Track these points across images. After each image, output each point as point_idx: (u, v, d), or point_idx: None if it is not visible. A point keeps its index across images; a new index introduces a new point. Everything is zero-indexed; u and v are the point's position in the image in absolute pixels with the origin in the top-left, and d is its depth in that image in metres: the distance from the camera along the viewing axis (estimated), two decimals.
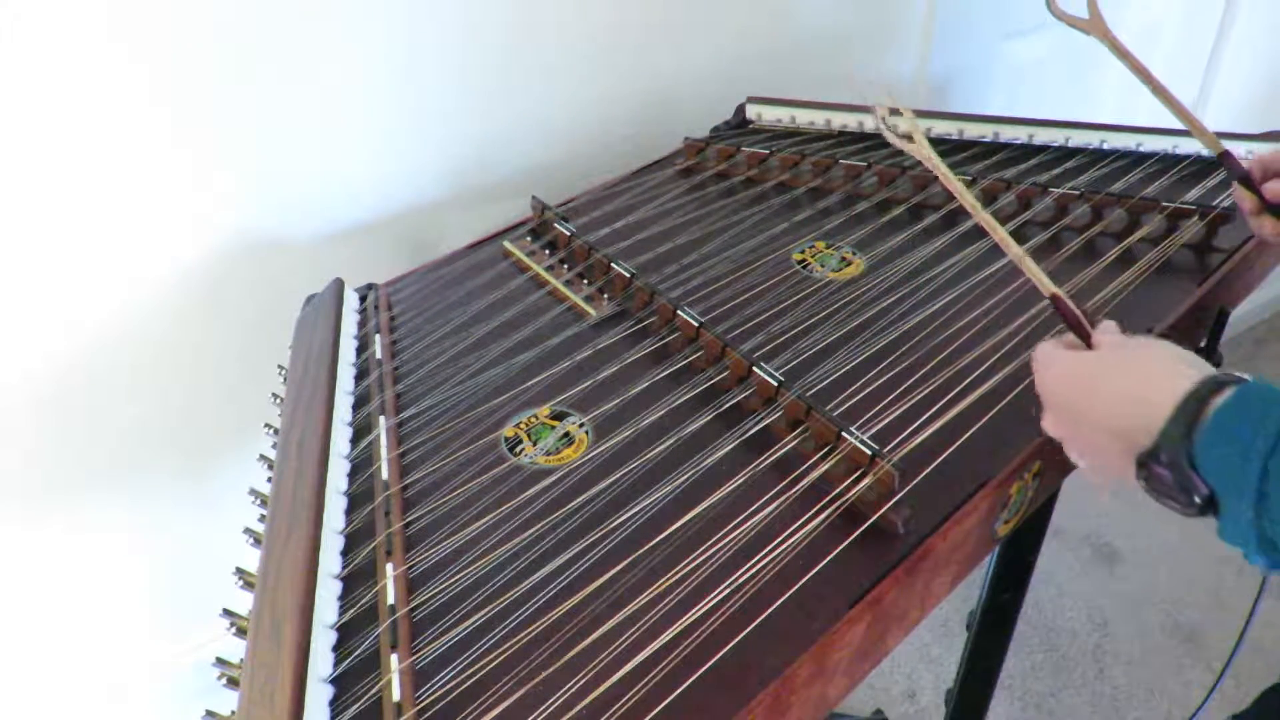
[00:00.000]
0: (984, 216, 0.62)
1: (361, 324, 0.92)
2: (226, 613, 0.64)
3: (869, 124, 1.17)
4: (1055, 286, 0.58)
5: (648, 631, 0.55)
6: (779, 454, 0.67)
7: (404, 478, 0.70)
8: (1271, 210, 0.71)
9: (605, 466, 0.68)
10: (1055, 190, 0.94)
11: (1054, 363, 0.56)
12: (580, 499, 0.65)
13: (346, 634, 0.58)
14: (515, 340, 0.85)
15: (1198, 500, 0.46)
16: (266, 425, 0.84)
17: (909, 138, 0.66)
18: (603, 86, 1.22)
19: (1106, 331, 0.57)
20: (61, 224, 0.90)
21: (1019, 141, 1.10)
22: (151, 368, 1.00)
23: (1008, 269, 0.85)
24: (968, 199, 0.63)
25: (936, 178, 1.00)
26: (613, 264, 0.89)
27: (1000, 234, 0.61)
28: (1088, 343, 0.58)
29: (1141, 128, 1.06)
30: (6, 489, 0.97)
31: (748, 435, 0.69)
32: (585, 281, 0.92)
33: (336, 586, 0.61)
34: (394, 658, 0.55)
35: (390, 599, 0.59)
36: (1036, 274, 0.60)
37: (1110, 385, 0.51)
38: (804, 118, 1.21)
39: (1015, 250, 0.61)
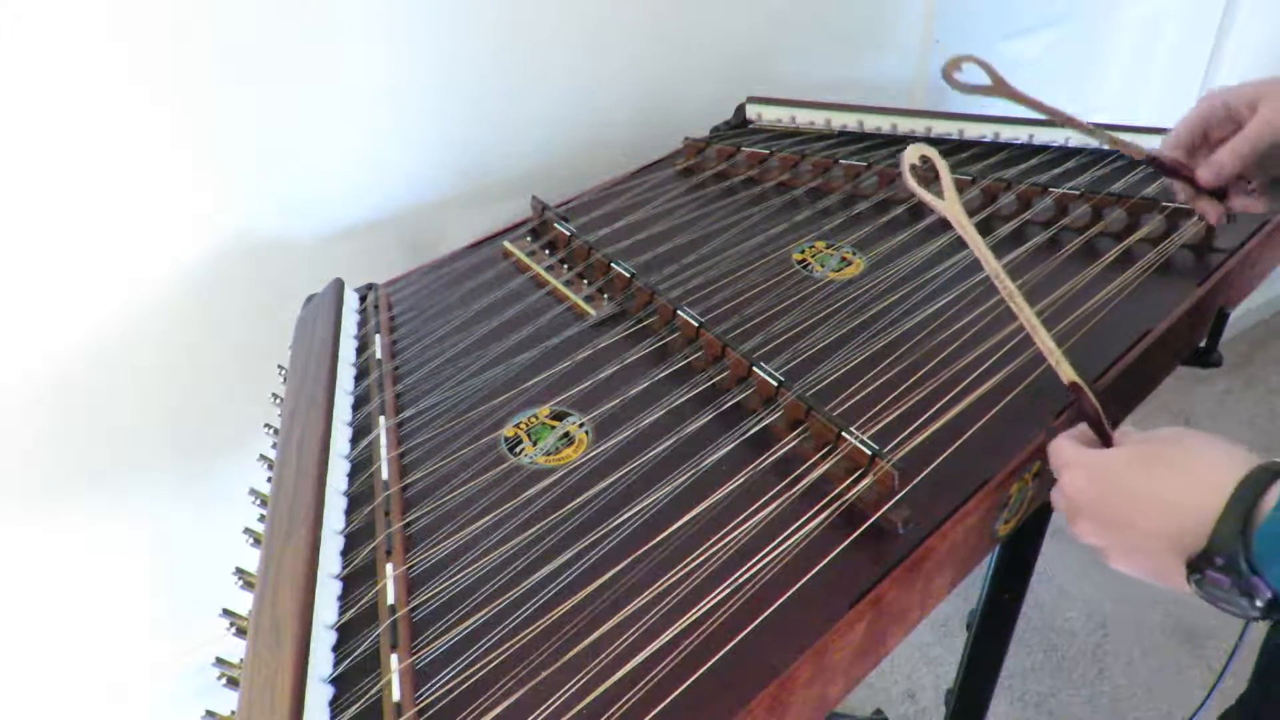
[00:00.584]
0: (1010, 289, 0.57)
1: (361, 324, 0.92)
2: (226, 613, 0.64)
3: (869, 124, 1.17)
4: (1076, 375, 0.54)
5: (648, 631, 0.55)
6: (779, 454, 0.67)
7: (404, 478, 0.70)
8: (1210, 193, 0.66)
9: (605, 466, 0.68)
10: (1055, 190, 0.94)
11: (1078, 463, 0.51)
12: (580, 499, 0.65)
13: (346, 634, 0.58)
14: (515, 340, 0.85)
15: (1260, 604, 0.43)
16: (266, 425, 0.84)
17: (939, 194, 0.59)
18: (603, 86, 1.22)
19: (1127, 433, 0.53)
20: (61, 224, 0.90)
21: (1019, 141, 1.10)
22: (151, 368, 1.00)
23: (1007, 269, 0.85)
24: (1005, 282, 0.58)
25: (936, 177, 1.00)
26: (612, 264, 0.89)
27: (1029, 317, 0.57)
28: (1107, 441, 0.53)
29: (1141, 127, 1.06)
30: (6, 489, 0.97)
31: (748, 435, 0.69)
32: (585, 281, 0.92)
33: (336, 586, 0.61)
34: (394, 658, 0.55)
35: (390, 599, 0.59)
36: (1060, 360, 0.55)
37: (1148, 485, 0.47)
38: (804, 118, 1.21)
39: (1044, 339, 0.56)
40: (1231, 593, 0.43)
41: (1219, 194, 0.66)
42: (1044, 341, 0.56)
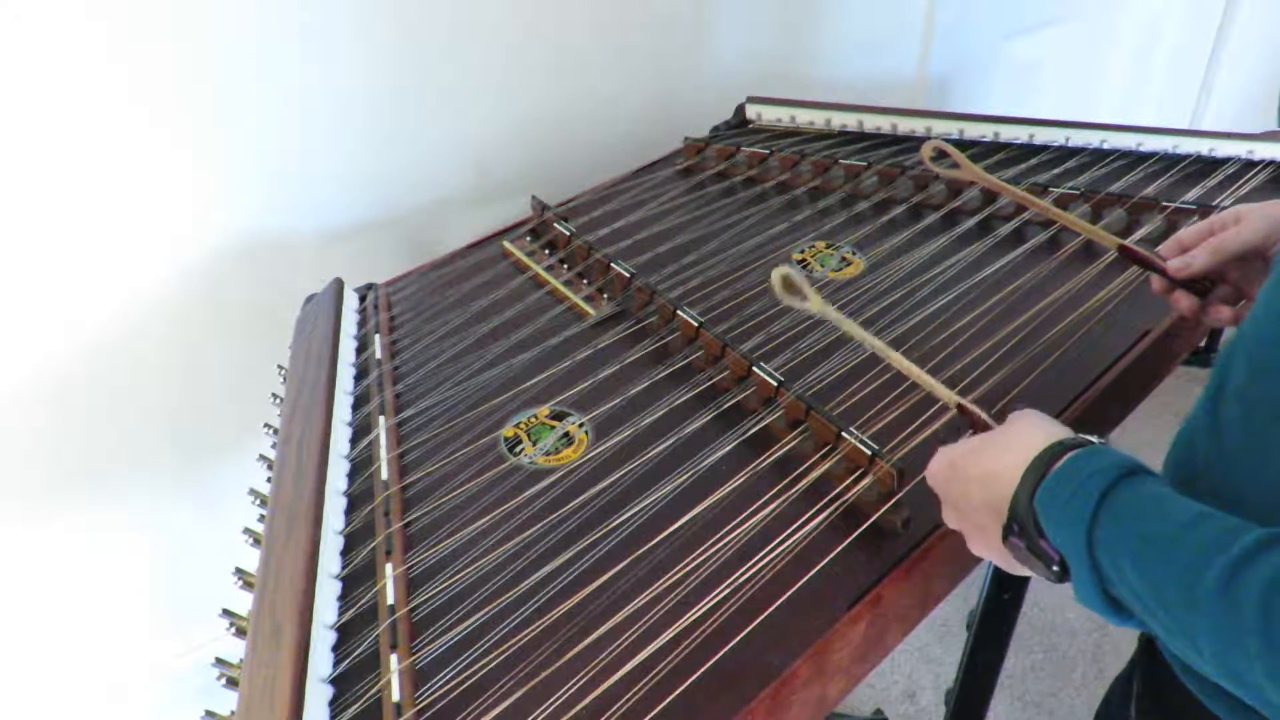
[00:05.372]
0: (880, 347, 0.61)
1: (361, 324, 0.92)
2: (226, 613, 0.64)
3: (869, 124, 1.17)
4: (959, 396, 0.57)
5: (648, 631, 0.55)
6: (779, 454, 0.67)
7: (404, 478, 0.70)
8: (1183, 285, 0.65)
9: (605, 466, 0.68)
10: (1055, 190, 0.94)
11: (938, 454, 0.55)
12: (580, 499, 0.65)
13: (346, 634, 0.58)
14: (515, 340, 0.85)
15: (1055, 568, 0.46)
16: (266, 425, 0.84)
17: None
18: (603, 86, 1.22)
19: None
20: (62, 224, 0.90)
21: (1019, 141, 1.10)
22: (151, 368, 1.00)
23: (1007, 269, 0.85)
24: (870, 341, 0.61)
25: (936, 176, 1.00)
26: (612, 264, 0.89)
27: (897, 359, 0.60)
28: None
29: (1141, 127, 1.06)
30: (6, 489, 0.97)
31: (748, 435, 0.69)
32: (585, 281, 0.92)
33: (336, 586, 0.61)
34: (394, 658, 0.55)
35: (390, 599, 0.59)
36: (937, 388, 0.58)
37: (977, 465, 0.50)
38: (804, 117, 1.21)
39: (925, 380, 0.59)
40: (1029, 555, 0.47)
41: (1201, 292, 0.65)
42: (925, 381, 0.59)
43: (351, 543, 0.65)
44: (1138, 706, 0.61)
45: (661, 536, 0.61)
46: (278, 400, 0.87)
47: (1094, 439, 0.47)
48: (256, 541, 0.70)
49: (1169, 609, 0.39)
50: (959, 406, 0.57)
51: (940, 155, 0.78)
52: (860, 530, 0.60)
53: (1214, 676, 0.39)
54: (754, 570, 0.58)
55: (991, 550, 0.51)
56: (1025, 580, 1.02)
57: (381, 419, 0.76)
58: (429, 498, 0.68)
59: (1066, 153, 1.07)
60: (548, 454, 0.71)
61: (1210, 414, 0.50)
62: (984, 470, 0.49)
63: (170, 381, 1.03)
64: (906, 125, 1.15)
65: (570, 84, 1.18)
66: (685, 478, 0.66)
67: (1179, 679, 0.52)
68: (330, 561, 0.62)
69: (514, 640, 0.55)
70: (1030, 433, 0.49)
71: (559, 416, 0.74)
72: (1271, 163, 0.99)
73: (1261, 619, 0.35)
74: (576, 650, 0.54)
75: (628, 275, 0.87)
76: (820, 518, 0.61)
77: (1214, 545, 0.38)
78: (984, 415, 0.56)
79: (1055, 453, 0.46)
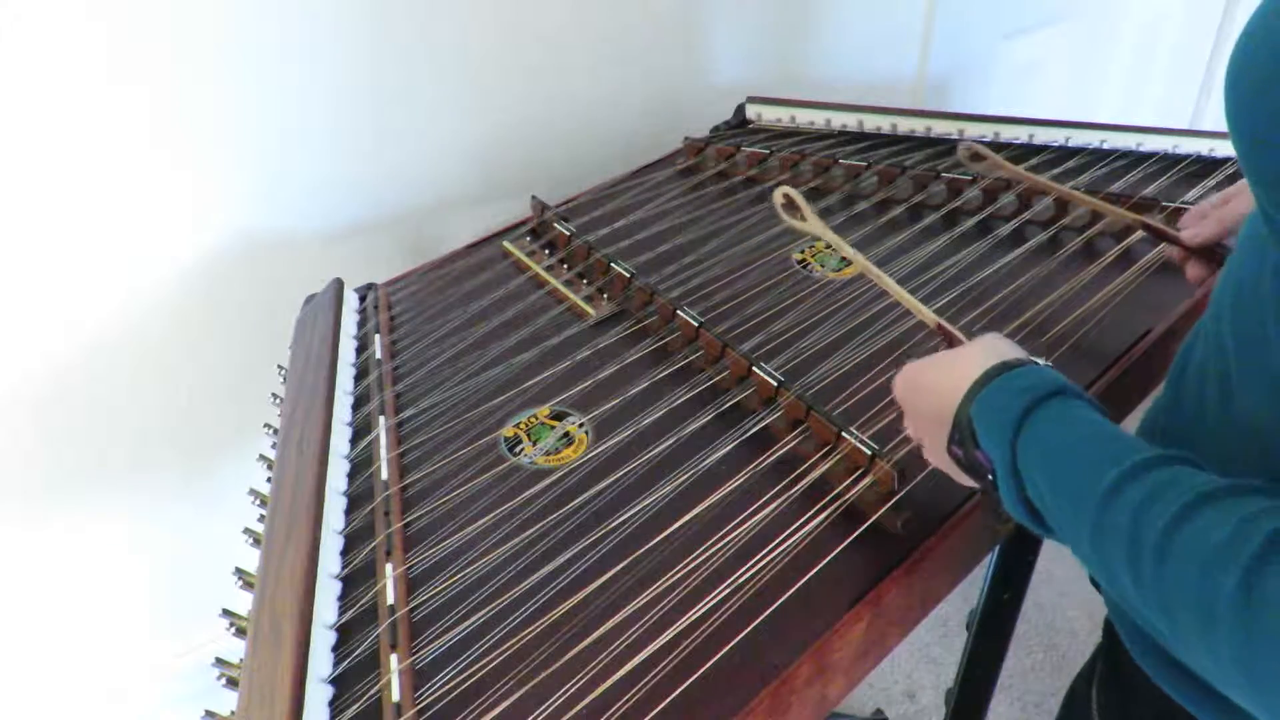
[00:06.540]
0: (875, 272, 0.68)
1: (361, 324, 0.92)
2: (226, 613, 0.64)
3: (869, 124, 1.17)
4: (939, 317, 0.63)
5: (648, 631, 0.55)
6: (779, 454, 0.67)
7: (404, 478, 0.70)
8: (1198, 254, 0.69)
9: (605, 466, 0.68)
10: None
11: (904, 369, 0.58)
12: (580, 499, 0.65)
13: (346, 634, 0.58)
14: (515, 340, 0.85)
15: (990, 477, 0.49)
16: (266, 425, 0.84)
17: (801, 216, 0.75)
18: (603, 86, 1.22)
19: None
20: (62, 224, 0.90)
21: (1019, 141, 1.10)
22: (151, 368, 1.00)
23: (1007, 269, 0.85)
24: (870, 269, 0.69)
25: (937, 176, 1.00)
26: (612, 264, 0.89)
27: (889, 282, 0.67)
28: None
29: (1141, 127, 1.06)
30: (6, 489, 0.97)
31: (748, 435, 0.69)
32: (585, 281, 0.92)
33: (336, 586, 0.61)
34: (394, 658, 0.55)
35: (390, 599, 0.59)
36: (921, 310, 0.64)
37: (933, 379, 0.54)
38: (804, 117, 1.21)
39: (909, 300, 0.65)
40: (968, 468, 0.51)
41: (1220, 261, 0.69)
42: (910, 302, 0.65)
43: (351, 543, 0.65)
44: (1099, 685, 0.64)
45: (661, 536, 0.61)
46: (278, 400, 0.87)
47: (1039, 361, 0.50)
48: (256, 541, 0.70)
49: (1065, 513, 0.43)
50: (939, 326, 0.62)
51: (976, 158, 0.85)
52: (860, 530, 0.60)
53: (1093, 572, 0.43)
54: (754, 570, 0.58)
55: (940, 459, 0.54)
56: (1025, 580, 1.02)
57: (381, 419, 0.76)
58: (429, 498, 0.68)
59: (1066, 153, 1.07)
60: (548, 454, 0.71)
61: (1173, 392, 0.53)
62: (938, 383, 0.53)
63: (170, 381, 1.03)
64: (906, 125, 1.15)
65: (571, 84, 1.18)
66: (685, 478, 0.66)
67: (1136, 661, 0.55)
68: (330, 561, 0.62)
69: (514, 640, 0.55)
70: (983, 352, 0.52)
71: (559, 416, 0.74)
72: None
73: (1131, 524, 0.39)
74: (576, 650, 0.54)
75: (628, 275, 0.87)
76: (820, 518, 0.61)
77: (1108, 459, 0.42)
78: (961, 336, 0.60)
79: (998, 370, 0.49)
